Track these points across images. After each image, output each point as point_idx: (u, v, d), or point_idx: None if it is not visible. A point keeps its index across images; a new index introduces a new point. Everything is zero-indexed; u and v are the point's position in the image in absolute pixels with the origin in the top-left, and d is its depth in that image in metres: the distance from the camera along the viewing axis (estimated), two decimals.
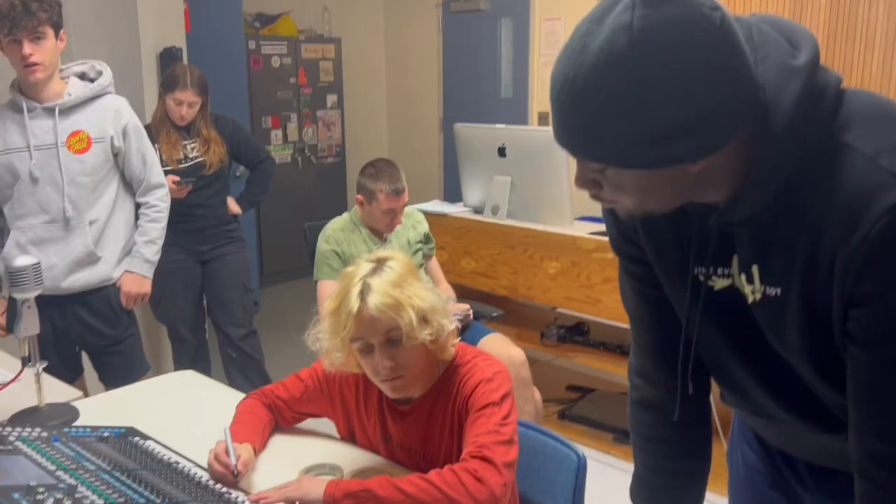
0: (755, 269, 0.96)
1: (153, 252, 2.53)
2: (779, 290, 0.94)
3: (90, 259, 2.39)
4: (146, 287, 2.53)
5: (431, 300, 1.48)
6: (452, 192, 5.12)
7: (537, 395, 2.86)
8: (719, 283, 1.01)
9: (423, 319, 1.45)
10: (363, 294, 1.44)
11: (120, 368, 2.49)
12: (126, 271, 2.49)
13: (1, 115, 2.32)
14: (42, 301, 1.91)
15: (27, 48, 2.16)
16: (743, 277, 0.98)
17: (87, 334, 2.48)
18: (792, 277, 0.92)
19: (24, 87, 2.30)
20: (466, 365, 1.54)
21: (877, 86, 3.81)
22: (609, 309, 3.03)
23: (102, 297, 2.45)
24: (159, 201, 2.56)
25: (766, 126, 0.86)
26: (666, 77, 0.79)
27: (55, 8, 2.21)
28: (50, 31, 2.19)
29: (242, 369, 3.32)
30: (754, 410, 1.17)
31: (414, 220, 2.98)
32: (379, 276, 1.46)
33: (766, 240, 0.93)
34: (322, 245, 2.82)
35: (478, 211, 3.53)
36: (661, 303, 1.12)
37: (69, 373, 2.46)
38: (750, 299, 0.98)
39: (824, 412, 1.04)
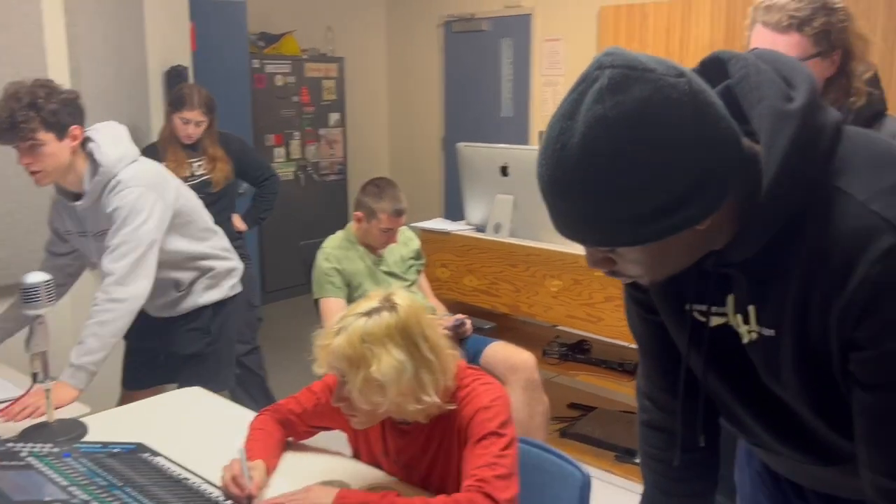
0: (752, 309, 0.96)
1: (90, 361, 2.03)
2: (773, 332, 0.94)
3: (176, 301, 2.41)
4: (73, 397, 2.01)
5: (389, 377, 1.41)
6: (454, 210, 5.16)
7: (546, 398, 2.88)
8: (714, 321, 1.01)
9: (378, 389, 1.42)
10: (338, 332, 1.45)
11: (199, 381, 2.41)
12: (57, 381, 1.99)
13: (59, 202, 2.30)
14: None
15: (23, 159, 2.06)
16: (739, 318, 0.98)
17: (167, 347, 2.50)
18: (784, 319, 0.92)
19: None
20: (465, 388, 1.54)
21: None
22: (611, 327, 3.05)
23: (189, 317, 2.46)
24: (101, 292, 2.11)
25: (759, 173, 0.86)
26: (652, 157, 0.79)
27: (51, 109, 2.01)
28: (48, 136, 2.03)
29: (245, 385, 3.33)
30: (755, 443, 1.18)
31: (406, 237, 3.04)
32: (364, 322, 1.44)
33: (761, 281, 0.93)
34: (322, 263, 2.84)
35: (480, 229, 3.56)
36: (666, 330, 1.12)
37: (143, 380, 2.52)
38: (745, 339, 0.98)
39: (823, 448, 1.04)
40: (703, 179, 0.81)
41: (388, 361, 1.42)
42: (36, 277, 1.76)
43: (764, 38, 1.61)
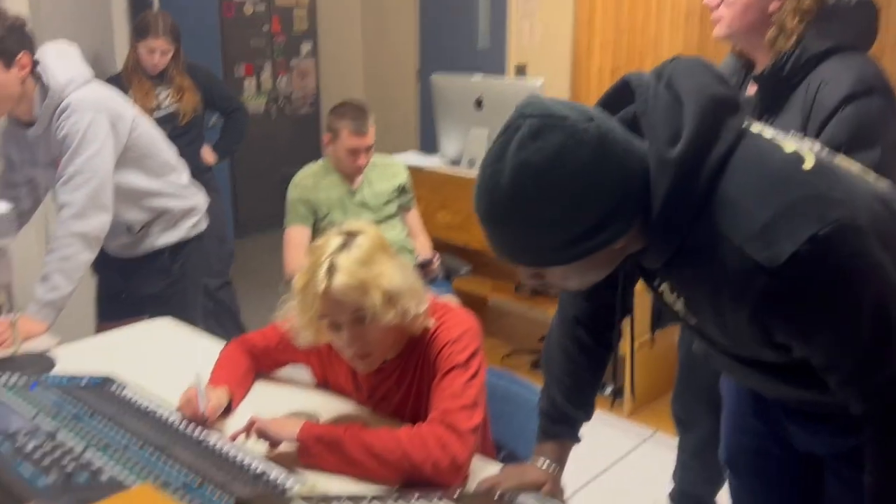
0: (681, 300, 1.10)
1: (57, 297, 2.01)
2: (696, 320, 1.10)
3: (133, 243, 2.37)
4: (41, 330, 2.02)
5: (399, 281, 1.45)
6: (429, 143, 5.10)
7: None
8: (667, 296, 1.15)
9: (389, 301, 1.44)
10: (330, 273, 1.42)
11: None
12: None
13: (10, 130, 2.22)
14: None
15: None
16: (673, 298, 1.12)
17: (129, 286, 2.48)
18: (705, 316, 1.07)
19: None
20: (436, 322, 1.54)
21: None
22: None
23: (149, 258, 2.41)
24: (60, 226, 2.06)
25: (651, 207, 0.98)
26: (570, 194, 0.94)
27: None
28: None
29: (219, 319, 3.33)
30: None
31: (392, 171, 2.97)
32: (347, 254, 1.43)
33: (679, 282, 1.09)
34: (291, 192, 2.83)
35: (454, 163, 3.53)
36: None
37: (114, 312, 2.51)
38: (682, 315, 1.13)
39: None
40: (614, 209, 0.95)
41: (389, 270, 1.45)
42: None
43: None
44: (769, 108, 1.61)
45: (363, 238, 1.46)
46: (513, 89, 3.32)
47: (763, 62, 1.63)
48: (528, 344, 3.66)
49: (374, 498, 0.97)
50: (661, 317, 1.54)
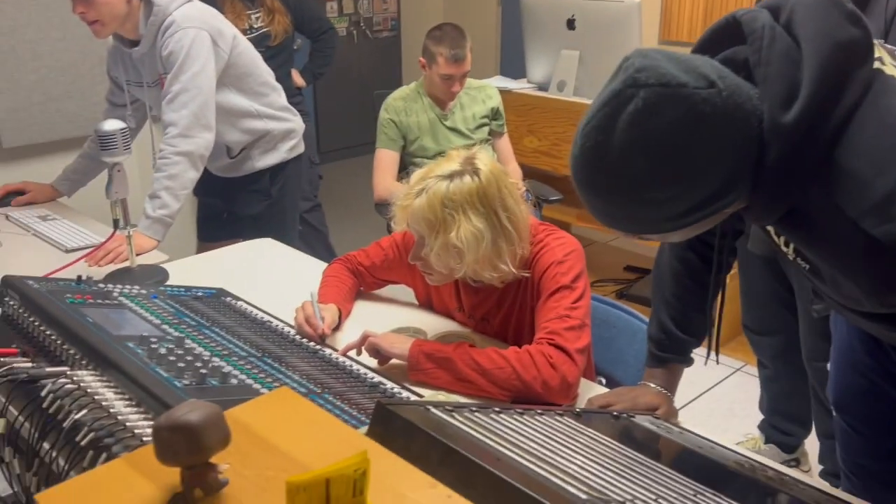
0: (791, 248, 1.06)
1: (165, 214, 2.06)
2: (807, 266, 1.04)
3: (233, 164, 2.42)
4: (152, 245, 2.06)
5: (472, 245, 1.41)
6: (510, 68, 4.98)
7: None
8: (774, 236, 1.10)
9: (447, 251, 1.43)
10: (418, 194, 1.43)
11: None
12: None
13: (115, 50, 2.27)
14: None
15: (76, 7, 2.01)
16: (782, 240, 1.07)
17: (230, 208, 2.56)
18: (816, 269, 1.02)
19: None
20: (538, 245, 1.53)
21: None
22: None
23: (249, 179, 2.47)
24: (166, 144, 2.10)
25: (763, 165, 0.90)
26: (686, 171, 0.87)
27: None
28: None
29: (309, 241, 3.39)
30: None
31: (485, 95, 2.93)
32: (446, 185, 1.41)
33: (787, 235, 1.03)
34: (381, 114, 2.84)
35: (542, 87, 3.45)
36: None
37: (213, 233, 2.62)
38: (791, 257, 1.08)
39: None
40: (730, 180, 0.88)
41: (468, 228, 1.41)
42: (112, 125, 1.77)
43: None
44: None
45: (472, 181, 1.42)
46: (607, 9, 3.19)
47: None
48: (613, 273, 3.62)
49: (500, 409, 0.98)
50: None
